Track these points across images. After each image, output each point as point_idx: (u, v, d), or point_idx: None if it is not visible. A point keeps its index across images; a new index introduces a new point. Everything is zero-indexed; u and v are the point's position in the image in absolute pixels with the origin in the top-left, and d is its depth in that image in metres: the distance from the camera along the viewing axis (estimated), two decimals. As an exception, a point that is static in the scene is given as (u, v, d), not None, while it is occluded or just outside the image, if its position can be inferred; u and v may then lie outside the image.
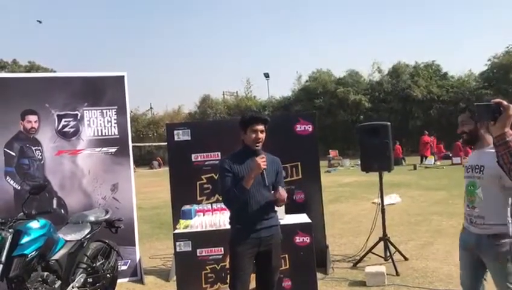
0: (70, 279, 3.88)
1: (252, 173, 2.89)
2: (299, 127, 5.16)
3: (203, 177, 5.15)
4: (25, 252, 3.39)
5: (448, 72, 31.77)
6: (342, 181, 14.42)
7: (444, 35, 55.10)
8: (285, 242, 3.45)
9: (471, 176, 2.62)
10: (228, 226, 3.14)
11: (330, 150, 22.72)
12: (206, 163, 5.16)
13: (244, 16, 70.90)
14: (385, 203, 5.55)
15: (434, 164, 19.26)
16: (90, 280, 4.08)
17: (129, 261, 5.18)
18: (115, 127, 5.24)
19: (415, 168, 17.58)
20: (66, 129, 5.10)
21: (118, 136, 5.25)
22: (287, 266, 4.19)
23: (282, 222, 3.60)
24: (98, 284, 4.17)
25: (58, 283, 3.70)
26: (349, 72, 33.61)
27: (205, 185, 5.15)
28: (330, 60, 65.73)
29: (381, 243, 5.23)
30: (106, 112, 5.23)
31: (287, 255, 4.14)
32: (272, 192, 3.01)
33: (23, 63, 39.30)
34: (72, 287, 3.85)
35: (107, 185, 5.15)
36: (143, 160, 32.29)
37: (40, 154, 5.00)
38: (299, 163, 5.14)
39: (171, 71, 68.89)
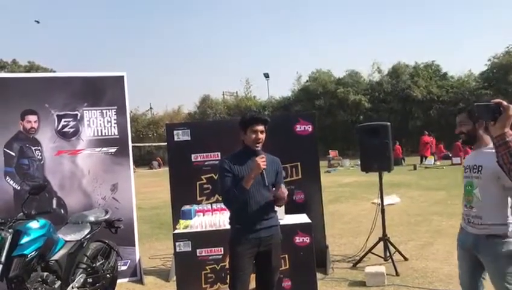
0: (70, 279, 3.88)
1: (252, 173, 2.88)
2: (299, 127, 5.16)
3: (202, 177, 5.15)
4: (25, 252, 3.39)
5: (448, 73, 31.89)
6: (342, 181, 14.41)
7: (444, 35, 55.23)
8: (285, 242, 3.44)
9: (469, 176, 2.62)
10: (228, 226, 3.14)
11: (330, 150, 22.72)
12: (206, 163, 5.16)
13: (244, 16, 71.03)
14: (385, 203, 5.55)
15: (434, 164, 19.28)
16: (90, 280, 4.08)
17: (129, 261, 5.18)
18: (114, 127, 5.24)
19: (415, 168, 17.59)
20: (65, 129, 5.09)
21: (117, 136, 5.25)
22: (287, 266, 4.19)
23: (282, 222, 3.60)
24: (97, 285, 4.17)
25: (58, 283, 3.70)
26: (349, 72, 33.63)
27: (205, 185, 5.15)
28: (330, 60, 65.89)
29: (381, 243, 5.23)
30: (106, 112, 5.23)
31: (286, 256, 4.14)
32: (273, 189, 3.00)
33: (22, 63, 39.40)
34: (72, 288, 3.85)
35: (106, 185, 5.15)
36: (143, 160, 32.31)
37: (39, 154, 5.00)
38: (299, 163, 5.14)
39: (171, 71, 69.02)
